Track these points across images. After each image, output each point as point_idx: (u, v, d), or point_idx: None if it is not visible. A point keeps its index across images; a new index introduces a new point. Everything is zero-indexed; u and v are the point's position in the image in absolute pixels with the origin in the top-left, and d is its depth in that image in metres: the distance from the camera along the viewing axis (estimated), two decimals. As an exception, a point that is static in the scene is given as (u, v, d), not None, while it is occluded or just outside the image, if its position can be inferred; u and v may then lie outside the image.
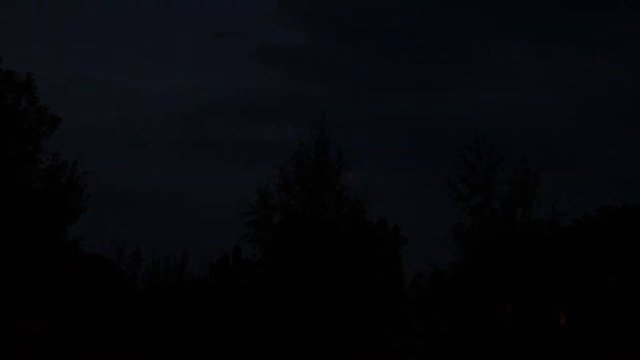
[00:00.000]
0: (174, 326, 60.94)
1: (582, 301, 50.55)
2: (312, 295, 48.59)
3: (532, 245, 48.94)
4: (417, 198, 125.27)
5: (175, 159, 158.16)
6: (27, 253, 38.35)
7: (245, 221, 48.79)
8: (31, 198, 38.80)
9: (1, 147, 38.33)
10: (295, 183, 48.73)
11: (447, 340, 59.84)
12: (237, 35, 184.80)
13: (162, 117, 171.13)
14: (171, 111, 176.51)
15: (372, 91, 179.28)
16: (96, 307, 53.09)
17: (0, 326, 38.37)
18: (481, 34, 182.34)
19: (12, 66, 39.38)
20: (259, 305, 54.12)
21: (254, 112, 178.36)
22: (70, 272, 44.33)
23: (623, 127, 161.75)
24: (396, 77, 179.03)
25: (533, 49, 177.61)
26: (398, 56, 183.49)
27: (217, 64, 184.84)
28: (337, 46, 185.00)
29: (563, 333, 50.58)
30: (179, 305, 64.08)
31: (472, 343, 53.39)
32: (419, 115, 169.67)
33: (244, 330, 55.72)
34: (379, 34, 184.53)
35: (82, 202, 40.30)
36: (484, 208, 49.62)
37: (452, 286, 55.13)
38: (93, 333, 50.46)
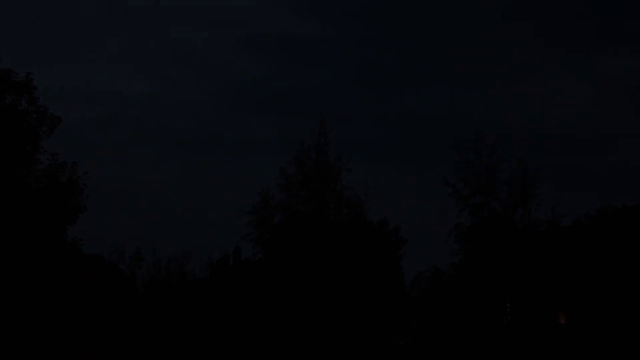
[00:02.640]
0: (174, 326, 60.89)
1: (582, 301, 50.49)
2: (313, 294, 48.57)
3: (532, 245, 48.93)
4: (417, 198, 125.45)
5: (176, 158, 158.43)
6: (27, 253, 38.24)
7: (246, 221, 48.88)
8: (31, 198, 38.67)
9: (1, 147, 38.20)
10: (296, 183, 48.79)
11: (446, 339, 59.75)
12: (231, 24, 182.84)
13: (161, 115, 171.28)
14: (170, 109, 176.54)
15: (374, 88, 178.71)
16: (96, 307, 53.03)
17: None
18: (489, 31, 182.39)
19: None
20: (259, 305, 54.07)
21: (252, 107, 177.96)
22: (70, 273, 44.26)
23: (624, 125, 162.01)
24: (398, 74, 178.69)
25: (538, 46, 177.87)
26: (401, 54, 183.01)
27: (212, 57, 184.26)
28: (342, 38, 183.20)
29: (563, 332, 50.54)
30: (179, 306, 64.06)
31: (472, 342, 53.33)
32: (421, 114, 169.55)
33: (244, 330, 55.66)
34: (383, 29, 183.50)
35: (82, 202, 40.17)
36: (484, 208, 49.63)
37: (453, 286, 55.07)
38: (93, 333, 50.41)
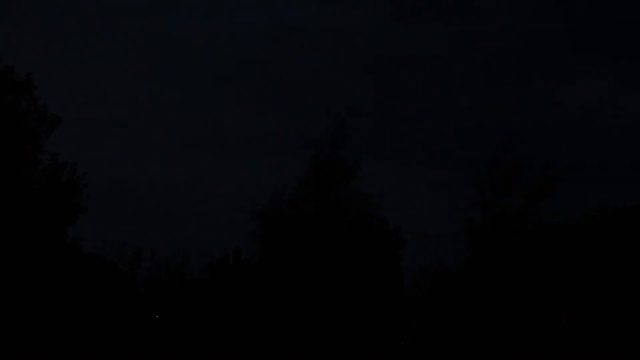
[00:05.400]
0: (174, 326, 60.91)
1: (584, 301, 50.51)
2: (312, 295, 48.56)
3: (534, 245, 49.00)
4: (418, 197, 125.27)
5: (176, 157, 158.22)
6: (27, 253, 38.25)
7: (251, 217, 48.95)
8: (31, 198, 38.68)
9: (1, 147, 38.19)
10: (308, 185, 48.86)
11: (447, 339, 59.75)
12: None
13: (161, 114, 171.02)
14: (169, 108, 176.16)
15: (383, 84, 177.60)
16: (96, 307, 53.04)
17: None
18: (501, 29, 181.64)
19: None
20: (259, 305, 54.07)
21: (253, 105, 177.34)
22: (70, 273, 44.29)
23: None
24: (405, 71, 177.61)
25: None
26: (413, 49, 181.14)
27: (212, 53, 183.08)
28: (348, 32, 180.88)
29: (564, 332, 50.54)
30: (179, 306, 64.08)
31: (472, 342, 53.33)
32: (423, 114, 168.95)
33: (244, 330, 55.65)
34: (393, 25, 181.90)
35: (82, 202, 40.21)
36: (496, 206, 49.73)
37: (457, 284, 55.09)
38: (93, 332, 50.41)
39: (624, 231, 51.39)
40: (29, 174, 39.31)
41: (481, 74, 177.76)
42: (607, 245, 50.83)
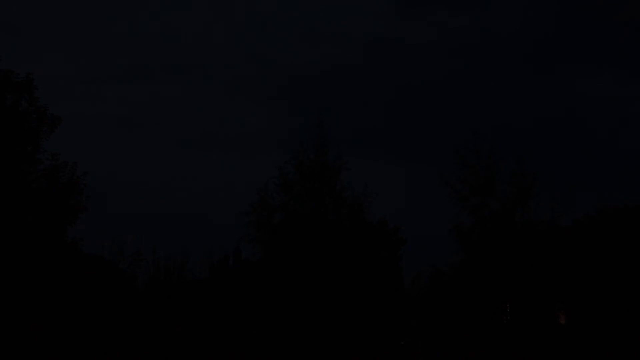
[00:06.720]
0: (174, 326, 60.88)
1: (582, 301, 50.53)
2: (312, 295, 48.58)
3: (532, 245, 48.94)
4: (418, 196, 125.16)
5: (175, 156, 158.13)
6: (27, 254, 38.30)
7: (245, 221, 48.86)
8: (31, 198, 38.74)
9: (1, 147, 38.26)
10: (295, 183, 48.81)
11: (446, 339, 59.79)
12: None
13: (160, 113, 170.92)
14: (168, 107, 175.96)
15: (375, 85, 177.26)
16: (96, 307, 53.06)
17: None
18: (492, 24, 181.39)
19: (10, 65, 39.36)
20: (259, 305, 54.09)
21: (252, 102, 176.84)
22: (70, 273, 44.30)
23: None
24: (401, 69, 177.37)
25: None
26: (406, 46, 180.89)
27: (210, 50, 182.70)
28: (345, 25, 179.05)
29: (563, 333, 50.57)
30: (179, 306, 64.07)
31: (471, 342, 53.37)
32: (424, 112, 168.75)
33: (244, 330, 55.67)
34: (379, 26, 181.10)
35: (82, 203, 40.26)
36: (483, 208, 49.55)
37: (453, 286, 55.09)
38: (93, 333, 50.40)
39: (623, 231, 51.44)
40: (29, 174, 39.37)
41: (481, 72, 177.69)
42: (606, 245, 50.87)
